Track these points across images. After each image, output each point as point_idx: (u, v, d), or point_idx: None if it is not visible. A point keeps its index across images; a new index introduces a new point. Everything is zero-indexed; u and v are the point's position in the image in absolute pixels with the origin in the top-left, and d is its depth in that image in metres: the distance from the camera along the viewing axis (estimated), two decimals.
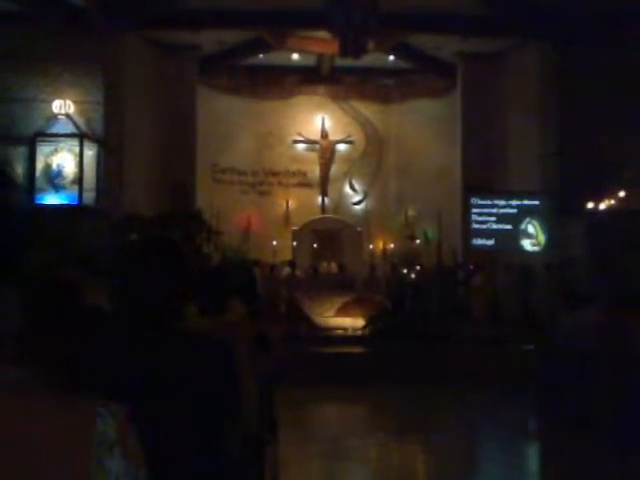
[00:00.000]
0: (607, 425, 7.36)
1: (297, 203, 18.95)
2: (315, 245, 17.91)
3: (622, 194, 13.05)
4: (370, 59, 15.53)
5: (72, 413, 0.87)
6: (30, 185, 13.20)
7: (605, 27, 13.08)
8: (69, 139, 13.30)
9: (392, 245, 18.58)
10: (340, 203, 19.31)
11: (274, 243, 17.52)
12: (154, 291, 1.82)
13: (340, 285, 16.33)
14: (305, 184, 19.18)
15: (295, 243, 17.91)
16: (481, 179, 15.94)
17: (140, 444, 0.92)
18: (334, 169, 19.25)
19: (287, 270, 16.58)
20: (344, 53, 14.06)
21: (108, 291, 3.94)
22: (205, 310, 3.25)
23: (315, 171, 19.19)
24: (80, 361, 1.82)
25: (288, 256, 17.35)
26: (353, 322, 13.84)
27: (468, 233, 15.36)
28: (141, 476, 0.91)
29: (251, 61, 17.60)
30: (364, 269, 17.45)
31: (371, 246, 18.47)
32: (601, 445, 7.13)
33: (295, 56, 17.59)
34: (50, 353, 2.06)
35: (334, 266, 17.73)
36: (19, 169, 13.28)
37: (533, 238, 14.88)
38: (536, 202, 14.94)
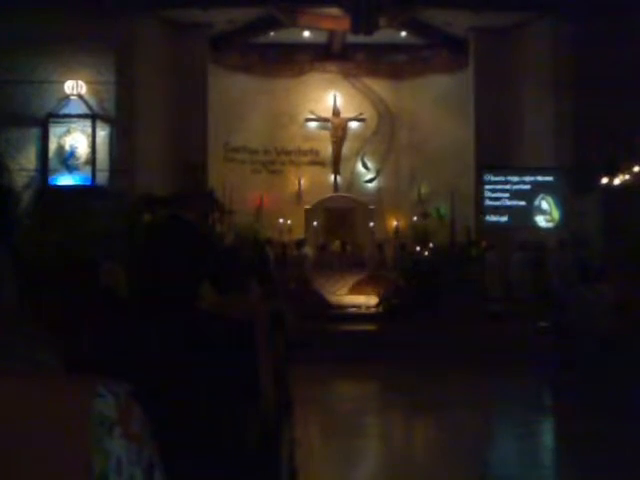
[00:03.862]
0: (625, 401, 7.35)
1: (309, 182, 18.91)
2: (327, 223, 17.90)
3: (637, 169, 12.92)
4: (381, 35, 15.38)
5: (70, 394, 0.85)
6: (43, 166, 13.27)
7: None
8: (81, 120, 13.33)
9: (405, 223, 18.53)
10: (352, 181, 19.25)
11: (286, 222, 17.52)
12: (172, 271, 1.82)
13: (353, 263, 16.35)
14: (317, 162, 19.13)
15: (307, 222, 17.91)
16: (494, 155, 15.82)
17: (147, 424, 0.89)
18: (346, 147, 19.16)
19: (300, 248, 16.60)
20: (355, 30, 13.95)
21: (124, 271, 3.97)
22: (219, 289, 3.25)
23: (327, 149, 19.12)
24: (97, 342, 1.83)
25: (300, 235, 17.37)
26: (366, 300, 13.88)
27: (481, 210, 15.29)
28: (145, 457, 0.87)
29: (262, 39, 17.50)
30: (377, 247, 17.43)
31: (383, 224, 18.42)
32: (618, 422, 7.12)
33: (306, 33, 17.46)
34: (65, 332, 2.08)
35: (347, 244, 17.72)
36: (32, 150, 13.34)
37: (547, 214, 14.79)
38: (550, 178, 14.82)
